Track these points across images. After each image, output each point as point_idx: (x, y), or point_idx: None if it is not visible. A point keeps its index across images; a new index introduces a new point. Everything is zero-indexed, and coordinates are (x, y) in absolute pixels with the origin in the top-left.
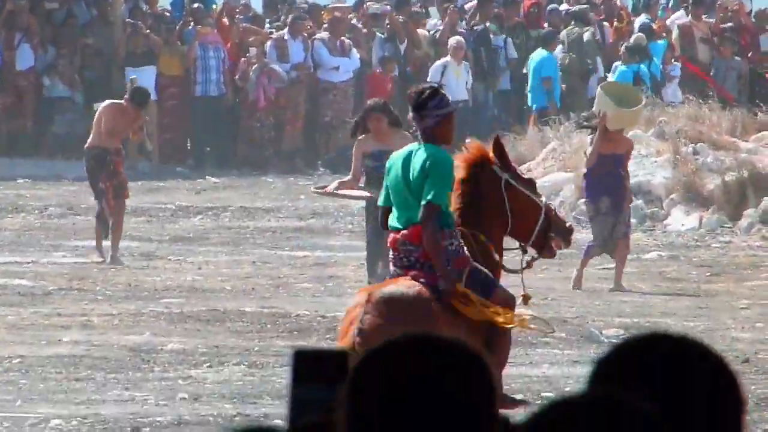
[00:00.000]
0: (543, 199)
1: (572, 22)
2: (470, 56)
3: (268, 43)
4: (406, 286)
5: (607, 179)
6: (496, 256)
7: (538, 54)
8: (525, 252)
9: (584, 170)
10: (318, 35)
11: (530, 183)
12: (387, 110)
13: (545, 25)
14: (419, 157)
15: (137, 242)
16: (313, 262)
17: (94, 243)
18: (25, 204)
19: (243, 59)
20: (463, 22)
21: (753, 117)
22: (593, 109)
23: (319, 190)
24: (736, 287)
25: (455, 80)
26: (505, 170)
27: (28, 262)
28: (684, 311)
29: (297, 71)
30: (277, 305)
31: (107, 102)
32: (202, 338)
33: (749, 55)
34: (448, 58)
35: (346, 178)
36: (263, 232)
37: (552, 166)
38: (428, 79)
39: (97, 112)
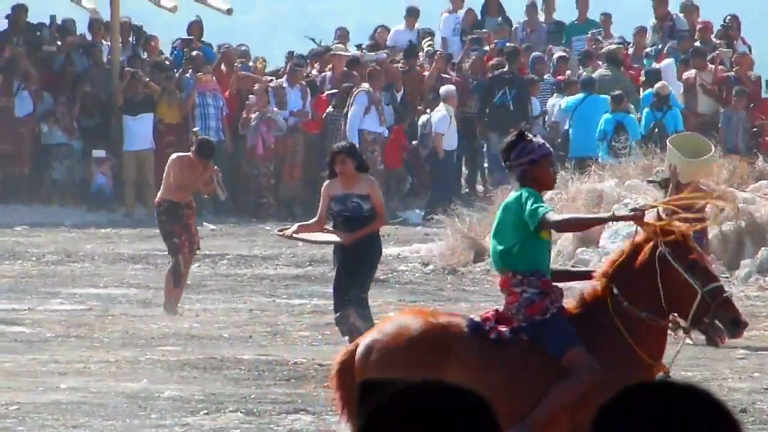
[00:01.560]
0: (716, 284)
1: (605, 64)
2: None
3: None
4: (425, 317)
5: None
6: (641, 314)
7: (579, 99)
8: (686, 333)
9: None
10: (362, 86)
11: (697, 265)
12: (353, 153)
13: (528, 72)
14: (509, 200)
15: (135, 289)
16: (311, 309)
17: (92, 290)
18: (22, 251)
19: (245, 107)
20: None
21: (752, 166)
22: (665, 163)
23: (280, 233)
24: None
25: (454, 130)
26: (669, 245)
27: (26, 309)
28: (682, 360)
29: (295, 117)
30: (275, 353)
31: (174, 155)
32: (199, 385)
33: (751, 106)
34: (442, 107)
35: (309, 222)
36: (261, 280)
37: None
38: (434, 131)
39: (166, 166)
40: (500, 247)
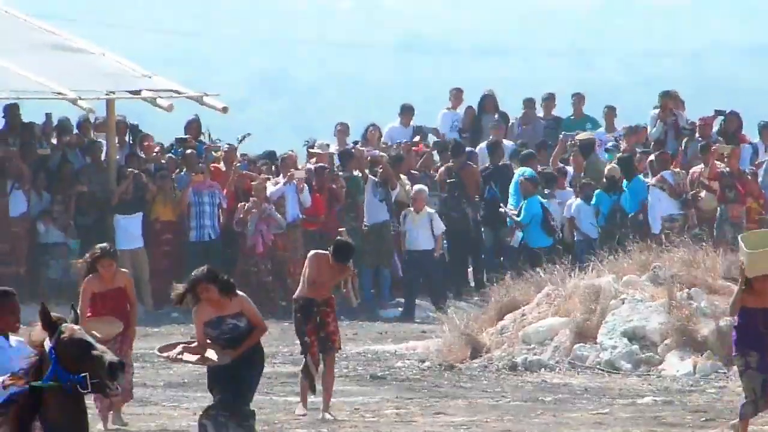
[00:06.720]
0: None
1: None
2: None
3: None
4: None
5: (755, 333)
6: None
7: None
8: None
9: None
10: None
11: None
12: (214, 278)
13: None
14: None
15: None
16: (314, 406)
17: None
18: None
19: (240, 204)
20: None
21: None
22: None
23: (163, 354)
24: None
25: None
26: None
27: None
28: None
29: (303, 215)
30: None
31: (312, 252)
32: None
33: (745, 201)
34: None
35: (193, 344)
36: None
37: (546, 311)
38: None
39: (305, 262)
40: None
